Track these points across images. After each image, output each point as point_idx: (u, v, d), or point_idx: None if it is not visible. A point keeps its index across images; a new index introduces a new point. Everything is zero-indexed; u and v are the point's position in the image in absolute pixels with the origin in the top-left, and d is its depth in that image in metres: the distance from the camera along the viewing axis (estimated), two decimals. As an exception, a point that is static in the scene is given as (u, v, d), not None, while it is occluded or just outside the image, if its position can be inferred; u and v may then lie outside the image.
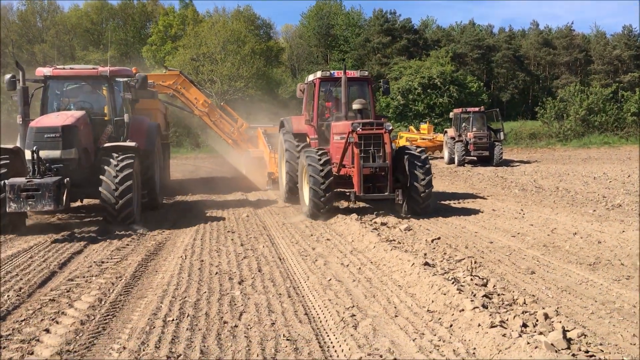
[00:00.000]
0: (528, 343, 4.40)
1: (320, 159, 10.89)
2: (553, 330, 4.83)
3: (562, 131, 40.91)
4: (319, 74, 12.70)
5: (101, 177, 10.05)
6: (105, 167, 10.11)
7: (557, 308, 5.65)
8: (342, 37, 58.69)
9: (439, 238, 8.77)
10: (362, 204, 12.64)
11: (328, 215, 10.96)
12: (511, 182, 17.30)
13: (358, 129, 10.65)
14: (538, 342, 4.42)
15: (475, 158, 25.74)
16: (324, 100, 13.37)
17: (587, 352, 4.47)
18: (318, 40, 59.31)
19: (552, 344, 4.46)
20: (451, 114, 27.73)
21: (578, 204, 12.72)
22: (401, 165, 11.24)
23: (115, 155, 10.25)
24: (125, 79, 11.40)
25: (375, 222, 10.34)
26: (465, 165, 25.13)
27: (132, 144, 10.84)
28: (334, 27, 59.52)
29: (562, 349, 4.44)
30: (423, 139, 30.56)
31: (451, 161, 26.17)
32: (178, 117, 23.24)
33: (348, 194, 10.96)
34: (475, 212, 12.04)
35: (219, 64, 39.01)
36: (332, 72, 12.70)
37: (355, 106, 11.85)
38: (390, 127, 11.16)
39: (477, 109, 26.71)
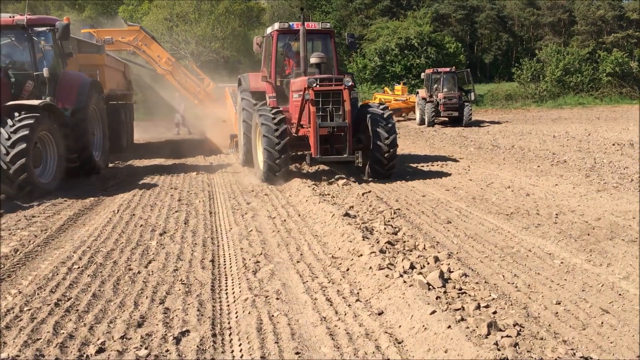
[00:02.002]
0: (404, 282, 4.62)
1: (274, 118, 10.11)
2: (437, 271, 5.02)
3: (538, 92, 40.96)
4: (276, 25, 11.74)
5: None
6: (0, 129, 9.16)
7: (456, 253, 5.87)
8: (324, -4, 57.64)
9: (369, 192, 8.91)
10: (323, 168, 12.17)
11: (284, 179, 10.10)
12: (470, 141, 17.45)
13: (314, 85, 9.79)
14: (414, 281, 4.64)
15: (446, 119, 25.76)
16: (282, 55, 12.47)
17: (460, 289, 4.67)
18: (300, 1, 58.18)
19: (427, 283, 4.66)
20: (423, 75, 27.57)
21: (526, 160, 12.91)
22: (363, 125, 10.45)
23: (16, 115, 9.30)
24: (46, 28, 10.52)
25: (319, 179, 10.41)
26: (435, 125, 25.17)
27: (36, 102, 9.79)
28: (315, -13, 58.33)
29: (437, 287, 4.65)
30: (397, 100, 30.47)
31: (422, 122, 26.18)
32: (144, 76, 22.79)
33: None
34: (421, 168, 12.18)
35: (193, 24, 38.24)
36: (291, 24, 11.75)
37: (313, 60, 10.89)
38: (351, 83, 10.09)
39: (448, 69, 26.54)
